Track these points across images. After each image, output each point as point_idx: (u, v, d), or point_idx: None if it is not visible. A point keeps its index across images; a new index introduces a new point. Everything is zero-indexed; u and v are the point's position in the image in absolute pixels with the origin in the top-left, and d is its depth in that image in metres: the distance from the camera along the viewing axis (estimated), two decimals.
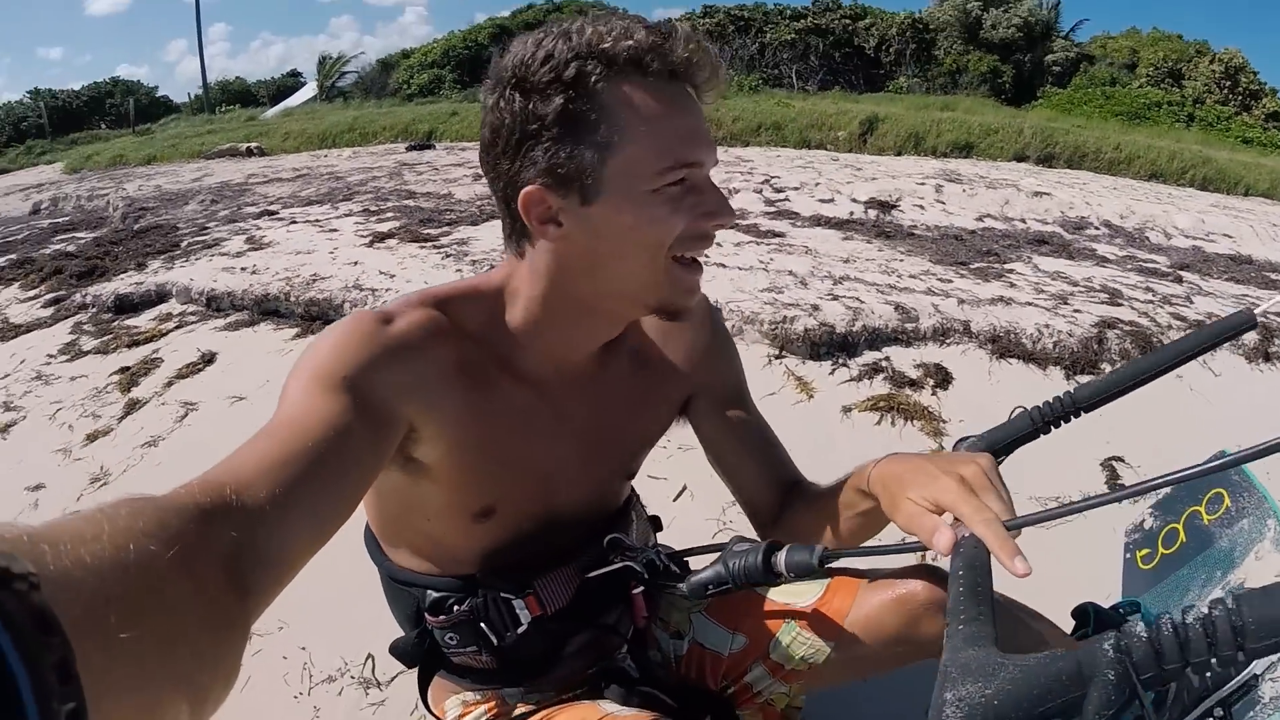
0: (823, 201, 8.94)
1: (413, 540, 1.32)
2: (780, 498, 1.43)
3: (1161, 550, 2.06)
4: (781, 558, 1.18)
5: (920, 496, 1.02)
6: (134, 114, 34.34)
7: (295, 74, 47.13)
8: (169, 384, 4.57)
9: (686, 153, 1.05)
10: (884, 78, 28.54)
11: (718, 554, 1.26)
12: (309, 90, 35.58)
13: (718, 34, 29.26)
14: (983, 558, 0.91)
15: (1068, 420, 1.28)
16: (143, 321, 5.59)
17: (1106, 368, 4.54)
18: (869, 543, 1.28)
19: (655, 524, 1.64)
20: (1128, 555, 2.13)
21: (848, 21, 29.16)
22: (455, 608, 1.29)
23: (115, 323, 5.64)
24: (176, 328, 5.35)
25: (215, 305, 5.56)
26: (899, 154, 15.78)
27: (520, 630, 1.29)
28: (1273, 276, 7.33)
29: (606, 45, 1.01)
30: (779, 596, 1.48)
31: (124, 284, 6.14)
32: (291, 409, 0.92)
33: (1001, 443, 1.28)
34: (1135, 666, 0.71)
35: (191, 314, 5.54)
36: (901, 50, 28.32)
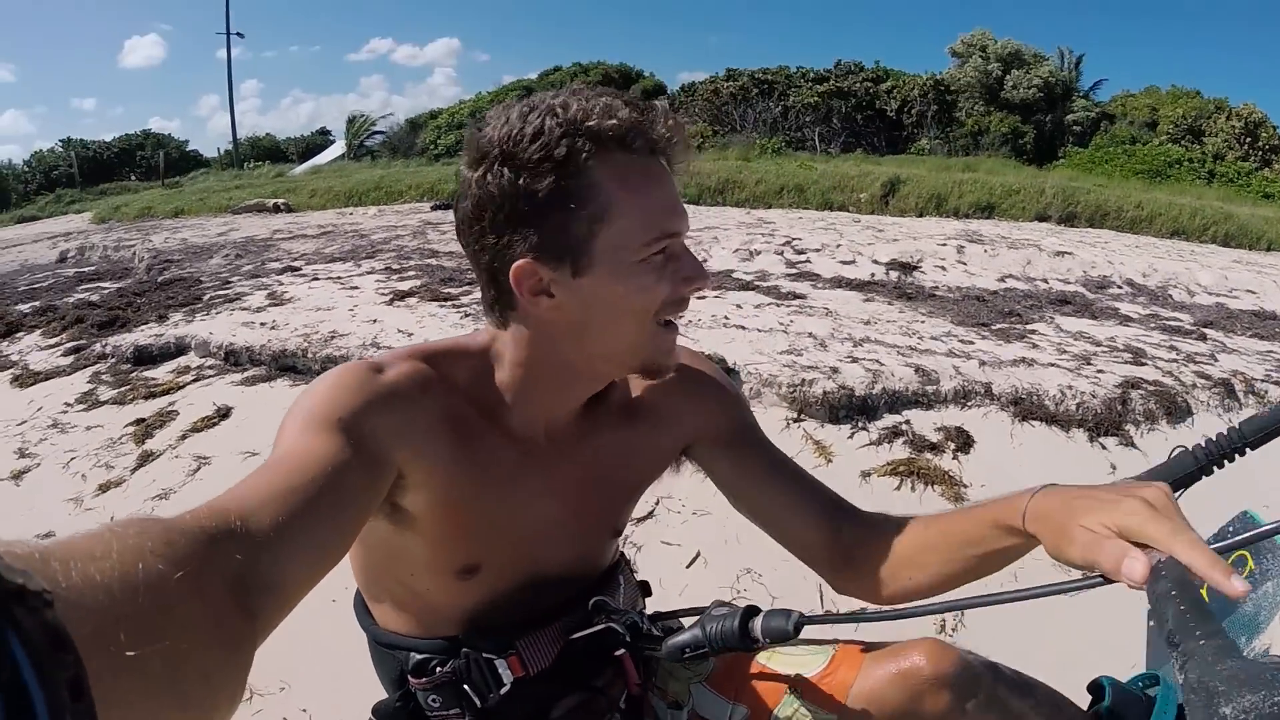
0: (844, 263, 8.95)
1: (397, 596, 1.32)
2: (833, 530, 1.36)
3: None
4: (758, 624, 1.17)
5: (1098, 523, 0.91)
6: (163, 167, 34.93)
7: (325, 132, 48.55)
8: (183, 437, 4.58)
9: (668, 224, 1.10)
10: (906, 139, 28.74)
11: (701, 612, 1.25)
12: (338, 148, 36.11)
13: (741, 97, 29.64)
14: (1189, 578, 0.81)
15: (1232, 459, 1.18)
16: (161, 374, 5.64)
17: (1131, 430, 4.49)
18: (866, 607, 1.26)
19: (644, 589, 1.61)
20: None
21: (869, 84, 29.47)
22: (438, 669, 1.28)
23: (133, 374, 5.69)
24: (194, 381, 5.38)
25: (233, 360, 5.59)
26: (920, 215, 15.84)
27: (503, 691, 1.28)
28: None
29: (593, 123, 1.04)
30: (782, 666, 1.42)
31: (144, 335, 6.22)
32: (290, 447, 0.95)
33: (1159, 478, 1.12)
34: None
35: (209, 368, 5.57)
36: (923, 112, 28.53)
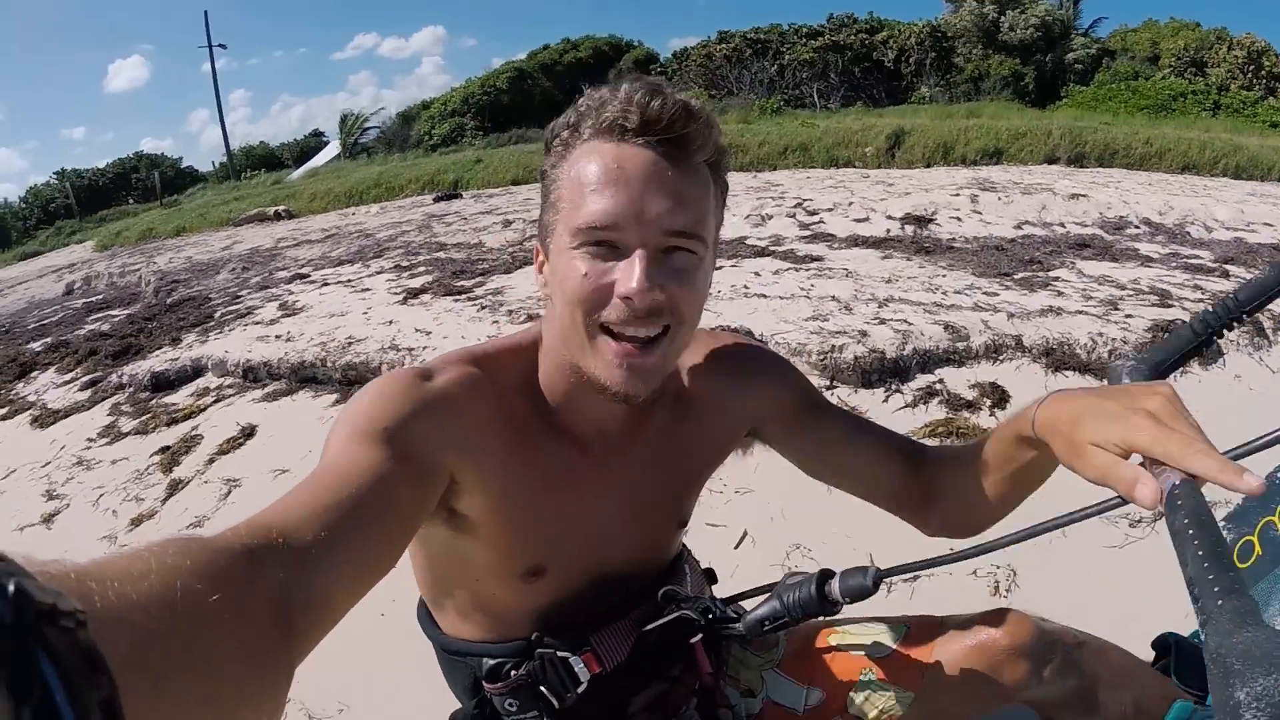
0: (858, 221, 8.88)
1: (464, 603, 1.30)
2: (913, 475, 1.34)
3: (1238, 564, 1.97)
4: (835, 585, 1.18)
5: (1107, 440, 0.89)
6: (160, 187, 35.05)
7: (318, 134, 48.08)
8: (210, 461, 4.52)
9: (604, 217, 1.02)
10: (905, 89, 28.56)
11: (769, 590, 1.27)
12: (333, 149, 36.12)
13: (735, 59, 29.45)
14: (1205, 509, 0.79)
15: (1231, 328, 1.18)
16: (180, 398, 5.57)
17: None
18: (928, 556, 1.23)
19: (710, 576, 1.61)
20: None
21: (865, 36, 29.26)
22: (513, 673, 1.28)
23: (153, 401, 5.62)
24: (215, 402, 5.33)
25: (252, 376, 5.53)
26: (928, 166, 15.73)
27: (580, 690, 1.27)
28: None
29: (594, 113, 1.06)
30: (855, 647, 1.43)
31: (159, 361, 6.16)
32: (334, 459, 0.94)
33: (1165, 363, 1.16)
34: None
35: (229, 387, 5.52)
36: (921, 60, 28.31)
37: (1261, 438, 0.99)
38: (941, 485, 1.31)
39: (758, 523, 2.98)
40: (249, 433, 4.75)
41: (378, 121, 35.17)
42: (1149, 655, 1.45)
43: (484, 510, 1.14)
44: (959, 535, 1.35)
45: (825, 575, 1.20)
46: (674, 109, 1.02)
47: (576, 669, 1.27)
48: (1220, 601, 0.70)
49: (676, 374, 1.34)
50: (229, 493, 4.16)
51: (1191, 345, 1.16)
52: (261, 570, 0.69)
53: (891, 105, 25.99)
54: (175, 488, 4.34)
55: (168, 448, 4.78)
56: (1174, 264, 6.96)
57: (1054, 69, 27.55)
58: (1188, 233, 8.44)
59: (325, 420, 4.63)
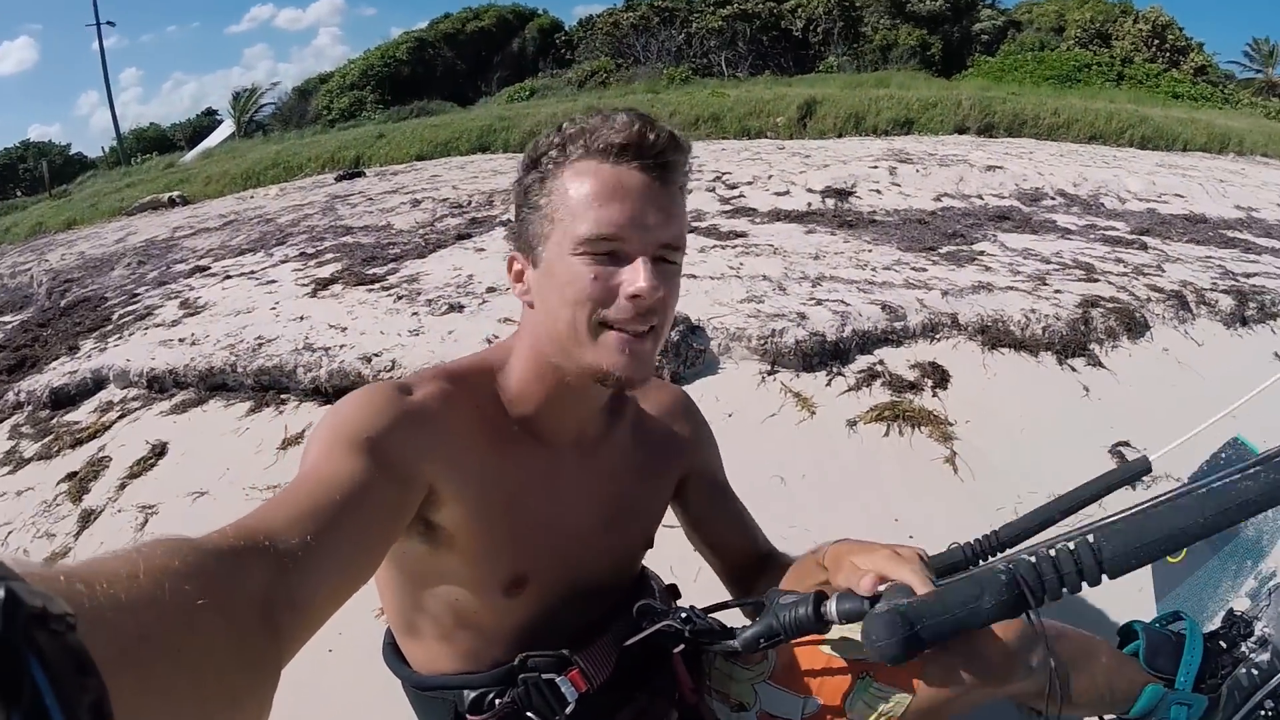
0: (778, 194, 8.81)
1: (443, 627, 1.31)
2: (757, 567, 1.60)
3: (1169, 561, 2.06)
4: (832, 606, 1.23)
5: (859, 563, 1.23)
6: (49, 176, 32.67)
7: (211, 112, 45.35)
8: (122, 486, 4.10)
9: (608, 228, 1.12)
10: (814, 58, 28.82)
11: (755, 607, 1.35)
12: (227, 128, 34.76)
13: (642, 27, 29.32)
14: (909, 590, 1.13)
15: (993, 555, 1.51)
16: (83, 415, 5.01)
17: (1096, 349, 4.50)
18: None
19: (674, 592, 1.65)
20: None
21: (773, 4, 29.34)
22: (497, 701, 1.28)
23: (54, 420, 5.04)
24: (120, 417, 4.81)
25: (158, 386, 5.00)
26: (840, 135, 15.89)
27: (568, 711, 1.28)
28: (1229, 234, 7.43)
29: (584, 135, 1.15)
30: (849, 654, 1.46)
31: (57, 375, 5.52)
32: (316, 466, 0.97)
33: (936, 569, 1.36)
34: (1023, 579, 1.04)
35: (133, 399, 4.99)
36: (829, 30, 28.51)
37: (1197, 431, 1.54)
38: (764, 580, 1.55)
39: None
40: (160, 451, 4.32)
41: (273, 97, 34.20)
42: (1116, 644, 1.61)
43: (462, 520, 1.17)
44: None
45: (820, 597, 1.25)
46: (665, 138, 1.15)
47: (564, 690, 1.27)
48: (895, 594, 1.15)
49: (636, 406, 1.49)
50: (145, 522, 3.77)
51: (957, 561, 1.52)
52: (248, 572, 0.71)
53: (800, 74, 26.13)
54: (88, 519, 3.92)
55: (75, 474, 4.30)
56: (1093, 235, 7.10)
57: (961, 40, 28.08)
58: (1102, 204, 8.63)
59: (240, 432, 4.28)
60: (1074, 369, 4.34)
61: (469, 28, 34.34)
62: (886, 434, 3.51)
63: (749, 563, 1.61)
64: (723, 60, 27.82)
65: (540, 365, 1.24)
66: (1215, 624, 1.78)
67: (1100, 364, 4.41)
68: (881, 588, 1.17)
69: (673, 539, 2.81)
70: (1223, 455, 2.13)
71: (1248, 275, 5.84)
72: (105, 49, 40.02)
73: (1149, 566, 2.16)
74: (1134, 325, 4.77)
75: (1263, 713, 1.67)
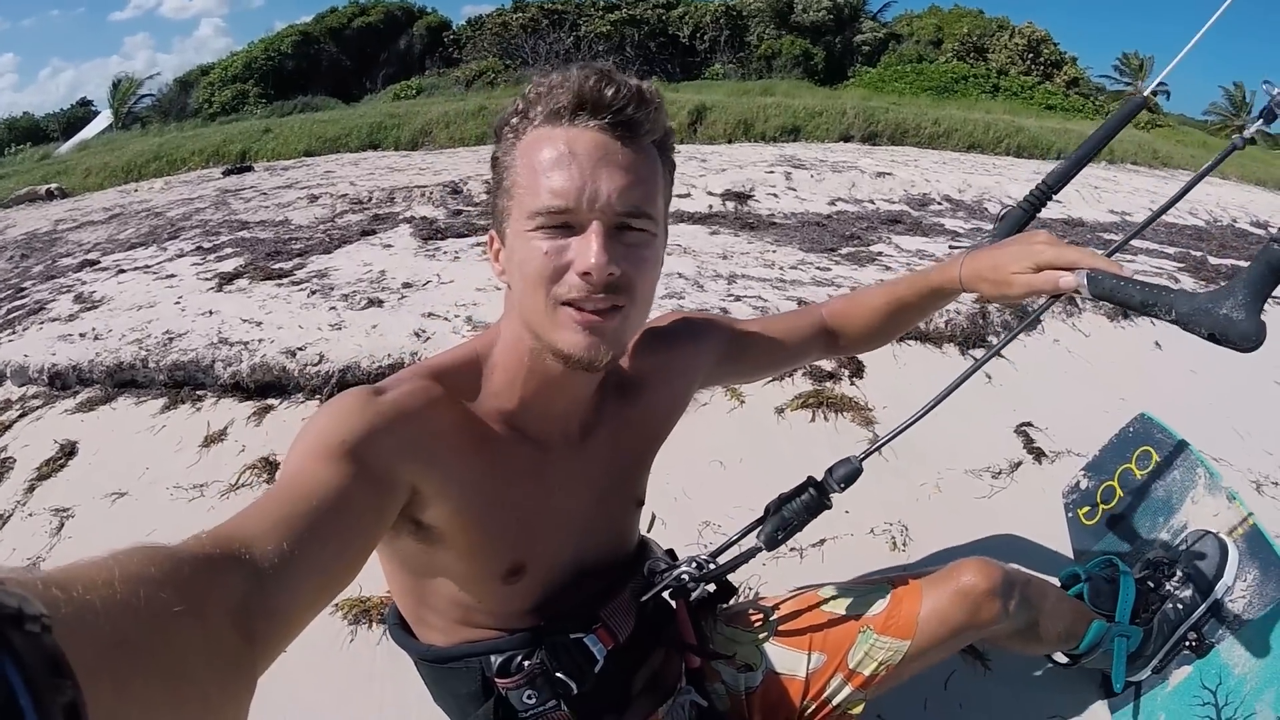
0: (680, 197, 8.92)
1: (449, 616, 1.30)
2: (826, 335, 1.67)
3: (1102, 506, 2.30)
4: (830, 480, 1.30)
5: (1023, 266, 1.30)
6: None
7: (86, 102, 42.97)
8: (30, 489, 3.82)
9: (557, 198, 1.05)
10: (700, 64, 29.09)
11: (755, 526, 1.36)
12: (104, 119, 33.34)
13: (531, 29, 29.18)
14: (1119, 275, 1.18)
15: (1045, 204, 1.63)
16: None
17: (993, 339, 4.74)
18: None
19: (673, 556, 1.65)
20: (1070, 515, 2.39)
21: (661, 11, 29.61)
22: (525, 663, 1.28)
23: None
24: (20, 416, 4.48)
25: (60, 383, 4.70)
26: (730, 141, 16.11)
27: (598, 668, 1.30)
28: (1105, 236, 7.85)
29: (541, 99, 1.09)
30: (849, 610, 1.60)
31: None
32: (293, 474, 0.95)
33: (1008, 234, 1.55)
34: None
35: (33, 397, 4.66)
36: (716, 37, 28.87)
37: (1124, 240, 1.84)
38: (847, 334, 1.66)
39: (663, 504, 2.96)
40: (69, 451, 4.05)
41: (153, 88, 32.69)
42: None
43: (451, 517, 1.15)
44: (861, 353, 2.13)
45: (811, 480, 1.32)
46: (625, 92, 1.06)
47: (593, 648, 1.30)
48: (1172, 293, 1.11)
49: (619, 366, 1.41)
50: (61, 525, 3.54)
51: (1024, 220, 1.60)
52: (224, 579, 0.70)
53: (686, 80, 26.43)
54: None
55: None
56: (980, 237, 7.35)
57: (843, 50, 28.82)
58: (986, 209, 9.00)
59: (155, 430, 4.08)
60: (975, 358, 4.57)
61: (355, 23, 33.57)
62: (813, 419, 3.65)
63: (812, 347, 1.66)
64: (610, 65, 27.96)
65: (520, 349, 1.19)
66: (1136, 572, 2.01)
67: (999, 354, 4.65)
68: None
69: (668, 509, 2.94)
70: (1130, 430, 2.35)
71: None
72: None
73: (1066, 527, 2.40)
74: (1025, 316, 4.99)
75: (1187, 641, 1.92)
